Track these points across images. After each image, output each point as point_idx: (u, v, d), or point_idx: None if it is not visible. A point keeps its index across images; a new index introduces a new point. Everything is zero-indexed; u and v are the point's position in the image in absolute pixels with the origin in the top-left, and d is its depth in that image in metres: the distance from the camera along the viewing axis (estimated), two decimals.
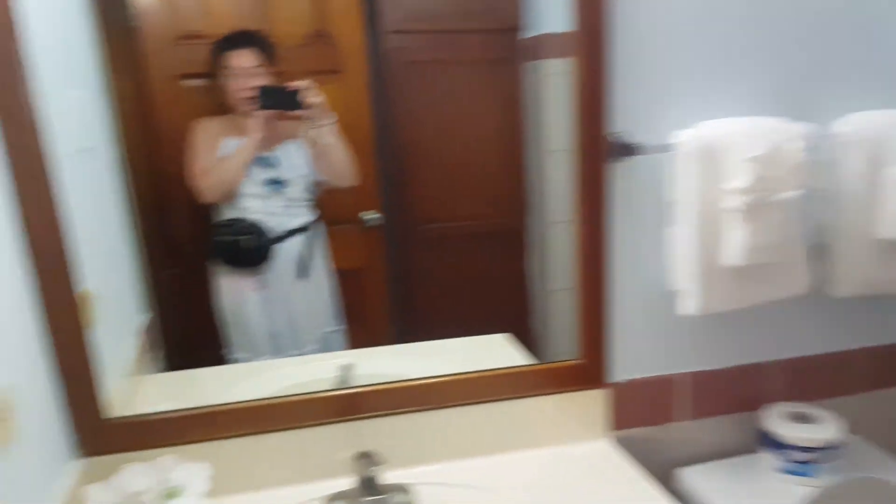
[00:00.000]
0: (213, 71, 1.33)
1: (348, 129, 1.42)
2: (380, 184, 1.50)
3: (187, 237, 1.37)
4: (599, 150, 1.06)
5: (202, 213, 1.36)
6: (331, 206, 1.44)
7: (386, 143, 1.49)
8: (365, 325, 1.52)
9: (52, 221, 0.90)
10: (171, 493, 0.95)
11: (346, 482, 1.02)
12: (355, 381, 1.15)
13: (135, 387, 1.14)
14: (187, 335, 1.39)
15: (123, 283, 1.23)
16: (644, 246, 1.14)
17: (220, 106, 1.33)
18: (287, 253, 1.37)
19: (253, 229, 1.35)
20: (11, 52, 0.84)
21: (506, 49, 1.52)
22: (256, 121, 1.34)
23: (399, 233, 1.54)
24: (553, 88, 1.42)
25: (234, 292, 1.38)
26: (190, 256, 1.38)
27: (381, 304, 1.57)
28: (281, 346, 1.39)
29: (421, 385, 1.10)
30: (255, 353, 1.38)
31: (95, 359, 0.98)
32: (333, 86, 1.44)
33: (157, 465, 0.99)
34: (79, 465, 1.00)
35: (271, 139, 1.37)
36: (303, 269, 1.39)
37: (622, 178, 1.10)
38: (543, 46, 1.41)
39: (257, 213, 1.36)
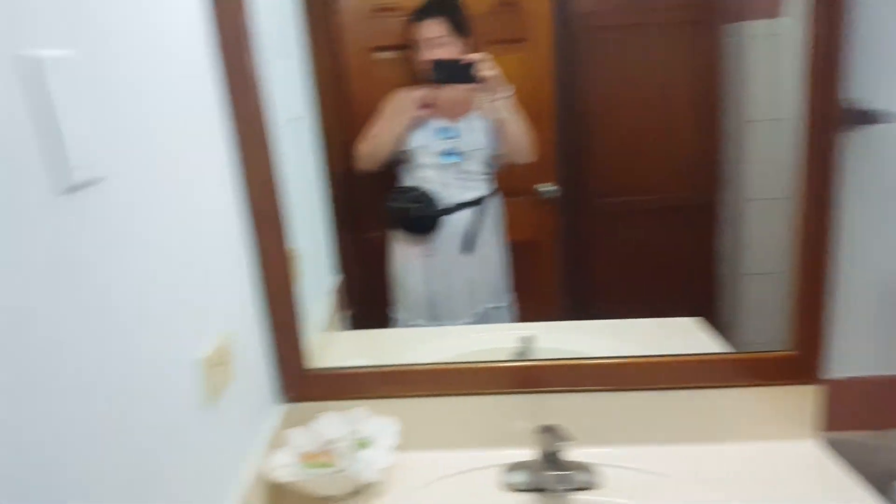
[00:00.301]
0: (405, 42, 1.36)
1: (529, 99, 1.39)
2: (558, 155, 1.46)
3: (375, 204, 1.43)
4: (831, 118, 0.93)
5: (388, 181, 1.41)
6: (506, 177, 1.42)
7: (567, 113, 1.44)
8: (535, 298, 1.50)
9: (269, 184, 0.97)
10: (363, 444, 1.00)
11: (526, 453, 1.02)
12: (536, 353, 1.13)
13: (327, 342, 1.21)
14: (372, 297, 1.46)
15: (319, 245, 1.31)
16: (880, 228, 0.99)
17: (414, 78, 1.36)
18: (454, 225, 1.39)
19: (422, 199, 1.38)
20: (241, 24, 0.90)
21: (702, 10, 1.41)
22: (409, 97, 1.35)
23: (576, 206, 1.50)
24: (758, 52, 1.29)
25: (402, 257, 1.42)
26: (376, 222, 1.44)
27: (552, 278, 1.54)
28: (438, 314, 1.42)
29: (607, 364, 1.05)
30: (413, 318, 1.42)
31: (300, 313, 1.05)
32: (517, 55, 1.42)
33: (350, 416, 1.05)
34: (281, 410, 1.08)
35: (455, 111, 1.38)
36: (468, 244, 1.39)
37: (857, 150, 0.96)
38: (747, 6, 1.28)
39: (432, 183, 1.38)
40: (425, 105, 1.37)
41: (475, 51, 1.31)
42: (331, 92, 1.33)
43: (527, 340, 1.14)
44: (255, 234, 0.99)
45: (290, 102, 1.15)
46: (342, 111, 1.39)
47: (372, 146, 1.38)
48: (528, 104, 1.39)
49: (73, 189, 0.58)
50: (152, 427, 0.70)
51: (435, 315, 1.42)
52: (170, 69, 0.78)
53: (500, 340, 1.24)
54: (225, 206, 0.92)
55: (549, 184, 1.47)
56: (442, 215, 1.39)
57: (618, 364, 1.05)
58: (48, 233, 0.55)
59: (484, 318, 1.43)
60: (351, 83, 1.41)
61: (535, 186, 1.47)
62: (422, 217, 1.39)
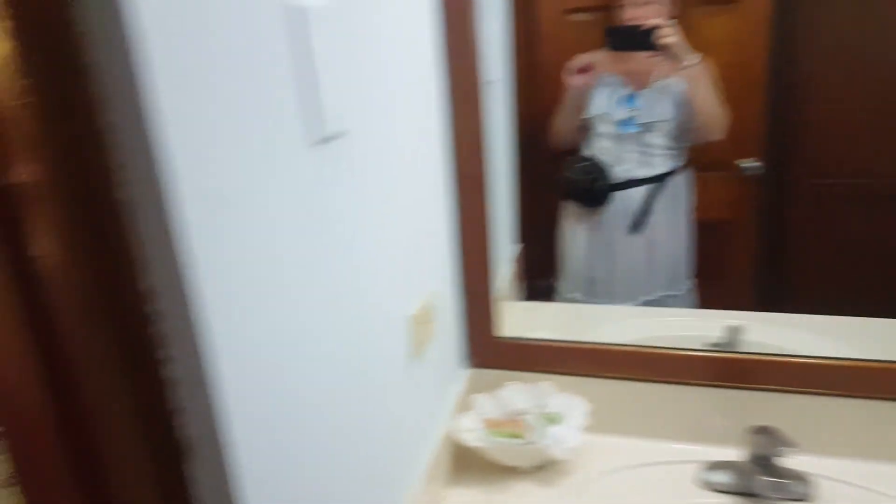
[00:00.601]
0: (606, 1, 1.28)
1: (738, 66, 1.27)
2: (766, 128, 1.31)
3: (555, 172, 1.37)
4: None
5: (572, 150, 1.35)
6: (703, 150, 1.30)
7: (781, 82, 1.29)
8: (723, 285, 1.38)
9: (477, 146, 0.94)
10: (552, 419, 0.97)
11: (728, 452, 0.94)
12: (742, 346, 1.03)
13: (507, 311, 1.18)
14: (549, 268, 1.41)
15: (503, 212, 1.28)
16: None
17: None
18: (625, 203, 1.29)
19: (592, 170, 1.30)
20: None
21: None
22: (569, 69, 1.26)
23: (781, 185, 1.35)
24: None
25: (569, 229, 1.36)
26: (555, 192, 1.38)
27: (746, 265, 1.40)
28: (597, 293, 1.34)
29: (832, 366, 0.94)
30: (571, 291, 1.35)
31: (493, 279, 1.03)
32: (728, 16, 1.29)
33: (536, 389, 1.02)
34: (466, 374, 1.08)
35: (640, 79, 1.28)
36: (637, 224, 1.29)
37: None
38: None
39: (608, 155, 1.29)
40: (582, 71, 1.28)
41: (681, 12, 1.20)
42: (522, 54, 1.28)
43: (733, 331, 1.04)
44: (456, 195, 0.97)
45: (494, 64, 1.12)
46: (531, 75, 1.35)
47: (554, 121, 1.32)
48: (736, 71, 1.26)
49: (325, 140, 0.59)
50: (372, 377, 0.71)
51: (594, 293, 1.35)
52: (398, 25, 0.77)
53: (693, 327, 1.16)
54: (434, 165, 0.91)
55: (752, 159, 1.34)
56: (612, 190, 1.30)
57: (845, 367, 0.93)
58: (303, 183, 0.56)
59: (658, 305, 1.34)
60: (542, 46, 1.36)
61: (737, 162, 1.34)
62: (590, 190, 1.31)
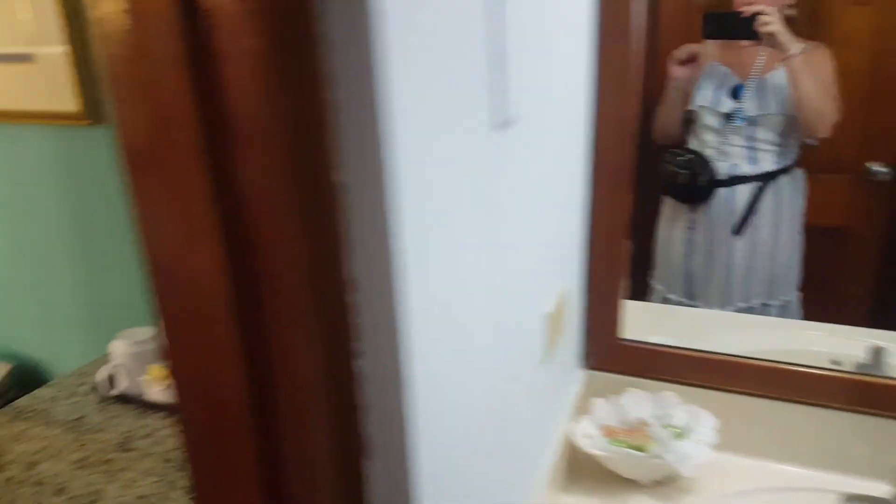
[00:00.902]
0: None
1: (876, 62, 1.16)
2: None
3: (657, 167, 1.30)
4: None
5: (679, 143, 1.27)
6: (824, 150, 1.21)
7: None
8: (833, 299, 1.28)
9: (625, 135, 0.89)
10: (679, 434, 0.91)
11: (870, 485, 0.87)
12: (889, 369, 0.95)
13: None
14: (647, 265, 1.35)
15: None
16: None
17: None
18: (726, 200, 1.20)
19: (692, 165, 1.22)
20: None
21: None
22: (672, 58, 1.18)
23: None
24: None
25: (667, 222, 1.28)
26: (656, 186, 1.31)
27: (863, 278, 1.30)
28: (694, 293, 1.26)
29: None
30: (668, 291, 1.28)
31: (622, 278, 0.98)
32: (870, 7, 1.18)
33: (658, 398, 0.97)
34: (582, 376, 1.03)
35: (747, 69, 1.19)
36: (740, 225, 1.21)
37: None
38: None
39: (711, 149, 1.21)
40: (685, 62, 1.20)
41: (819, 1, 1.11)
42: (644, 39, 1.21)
43: (875, 353, 0.97)
44: (592, 186, 0.92)
45: None
46: (648, 62, 1.27)
47: (657, 113, 1.25)
48: (874, 67, 1.16)
49: (503, 126, 0.55)
50: (515, 377, 0.68)
51: (691, 295, 1.28)
52: (564, 9, 0.72)
53: (822, 342, 1.08)
54: (577, 153, 0.87)
55: (881, 163, 1.24)
56: (715, 187, 1.22)
57: None
58: (481, 170, 0.52)
59: (757, 313, 1.25)
60: (663, 29, 1.28)
61: (867, 164, 1.24)
62: (691, 186, 1.24)
